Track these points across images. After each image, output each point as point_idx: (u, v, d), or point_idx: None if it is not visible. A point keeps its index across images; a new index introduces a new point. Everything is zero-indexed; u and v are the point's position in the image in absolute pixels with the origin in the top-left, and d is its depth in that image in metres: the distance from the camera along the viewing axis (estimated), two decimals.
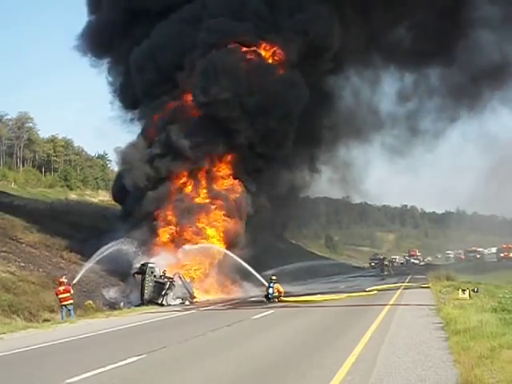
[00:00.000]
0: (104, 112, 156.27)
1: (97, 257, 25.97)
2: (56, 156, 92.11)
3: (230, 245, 31.79)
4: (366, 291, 27.15)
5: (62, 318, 20.62)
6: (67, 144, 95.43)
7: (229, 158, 34.18)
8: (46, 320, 20.61)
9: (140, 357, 10.82)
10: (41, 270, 27.33)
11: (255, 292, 29.55)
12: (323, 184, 49.18)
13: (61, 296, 21.02)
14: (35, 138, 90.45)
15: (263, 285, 26.00)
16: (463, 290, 20.04)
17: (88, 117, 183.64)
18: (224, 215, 32.65)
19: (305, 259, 54.90)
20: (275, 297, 23.99)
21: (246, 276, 30.26)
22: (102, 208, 51.35)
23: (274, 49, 34.60)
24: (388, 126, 48.20)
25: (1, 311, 20.59)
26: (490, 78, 41.80)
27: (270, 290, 24.09)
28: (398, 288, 28.92)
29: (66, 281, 21.82)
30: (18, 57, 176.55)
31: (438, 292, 22.49)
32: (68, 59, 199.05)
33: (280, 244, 57.29)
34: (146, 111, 35.78)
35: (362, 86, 46.00)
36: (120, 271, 28.74)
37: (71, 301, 21.22)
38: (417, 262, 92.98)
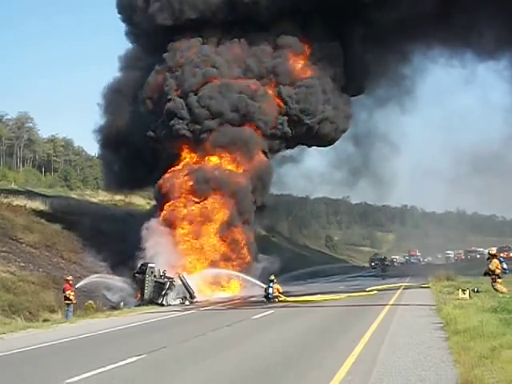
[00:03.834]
0: None
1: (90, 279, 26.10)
2: (56, 156, 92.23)
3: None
4: (366, 291, 27.13)
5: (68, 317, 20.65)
6: (67, 144, 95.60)
7: None
8: (45, 320, 20.61)
9: (140, 357, 10.82)
10: (41, 269, 27.34)
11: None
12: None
13: (66, 293, 21.15)
14: (35, 138, 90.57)
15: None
16: (463, 290, 19.98)
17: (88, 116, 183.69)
18: None
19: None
20: (275, 297, 24.00)
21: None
22: (103, 208, 51.33)
23: None
24: None
25: (1, 311, 20.60)
26: None
27: (270, 290, 24.10)
28: (398, 288, 28.89)
29: (71, 281, 22.04)
30: (18, 56, 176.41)
31: (438, 292, 22.45)
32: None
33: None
34: None
35: None
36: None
37: (74, 301, 21.34)
38: (416, 261, 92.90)
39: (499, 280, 20.17)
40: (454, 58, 44.37)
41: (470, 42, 40.56)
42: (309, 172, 50.22)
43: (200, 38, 34.72)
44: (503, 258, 23.03)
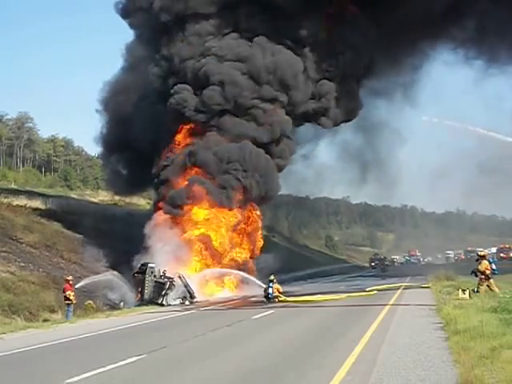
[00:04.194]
0: None
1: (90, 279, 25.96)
2: (56, 156, 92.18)
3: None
4: (366, 291, 27.14)
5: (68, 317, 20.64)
6: (67, 144, 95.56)
7: None
8: (45, 320, 20.61)
9: (140, 357, 10.82)
10: (41, 270, 27.32)
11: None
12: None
13: (66, 294, 21.16)
14: (35, 137, 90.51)
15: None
16: (463, 290, 20.01)
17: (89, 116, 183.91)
18: None
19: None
20: (275, 297, 24.01)
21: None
22: (103, 208, 51.33)
23: None
24: None
25: (1, 311, 20.58)
26: None
27: (270, 290, 24.11)
28: (398, 288, 28.91)
29: (71, 281, 22.07)
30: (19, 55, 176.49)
31: (438, 292, 22.46)
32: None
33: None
34: None
35: None
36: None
37: (74, 301, 21.36)
38: (416, 261, 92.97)
39: (490, 281, 20.20)
40: (464, 59, 44.36)
41: (482, 48, 40.54)
42: (320, 169, 50.03)
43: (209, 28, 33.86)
44: (492, 258, 23.18)
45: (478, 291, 20.13)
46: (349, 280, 43.81)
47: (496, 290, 20.06)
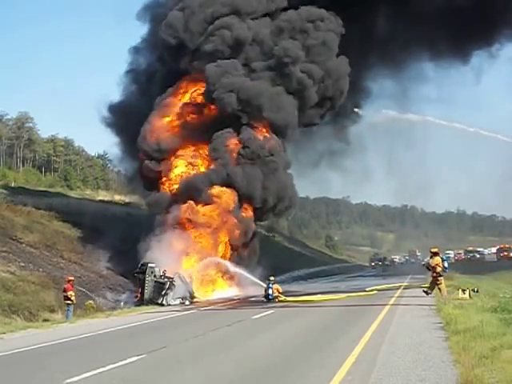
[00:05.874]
0: None
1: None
2: (56, 156, 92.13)
3: None
4: (365, 291, 27.12)
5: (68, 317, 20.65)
6: (67, 144, 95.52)
7: None
8: (45, 320, 20.61)
9: (140, 357, 10.82)
10: (41, 269, 27.33)
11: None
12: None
13: (68, 294, 21.19)
14: (35, 137, 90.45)
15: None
16: (463, 290, 20.03)
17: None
18: None
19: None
20: (275, 297, 24.01)
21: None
22: (103, 208, 51.34)
23: None
24: None
25: (1, 311, 20.58)
26: None
27: (270, 291, 24.10)
28: (398, 288, 28.88)
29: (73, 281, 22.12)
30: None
31: (438, 292, 22.44)
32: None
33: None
34: None
35: None
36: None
37: (74, 301, 21.38)
38: (413, 261, 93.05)
39: (440, 278, 20.06)
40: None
41: None
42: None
43: None
44: (446, 256, 23.37)
45: (439, 288, 20.03)
46: (349, 280, 43.79)
47: (443, 287, 19.98)
